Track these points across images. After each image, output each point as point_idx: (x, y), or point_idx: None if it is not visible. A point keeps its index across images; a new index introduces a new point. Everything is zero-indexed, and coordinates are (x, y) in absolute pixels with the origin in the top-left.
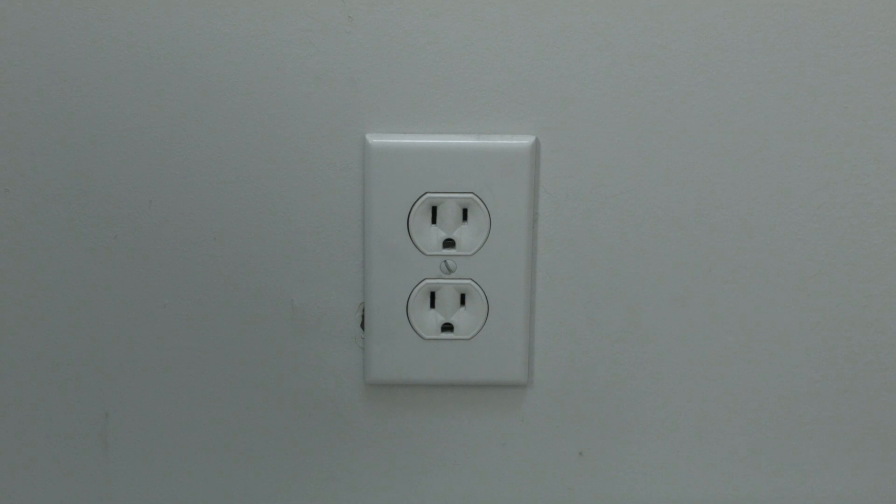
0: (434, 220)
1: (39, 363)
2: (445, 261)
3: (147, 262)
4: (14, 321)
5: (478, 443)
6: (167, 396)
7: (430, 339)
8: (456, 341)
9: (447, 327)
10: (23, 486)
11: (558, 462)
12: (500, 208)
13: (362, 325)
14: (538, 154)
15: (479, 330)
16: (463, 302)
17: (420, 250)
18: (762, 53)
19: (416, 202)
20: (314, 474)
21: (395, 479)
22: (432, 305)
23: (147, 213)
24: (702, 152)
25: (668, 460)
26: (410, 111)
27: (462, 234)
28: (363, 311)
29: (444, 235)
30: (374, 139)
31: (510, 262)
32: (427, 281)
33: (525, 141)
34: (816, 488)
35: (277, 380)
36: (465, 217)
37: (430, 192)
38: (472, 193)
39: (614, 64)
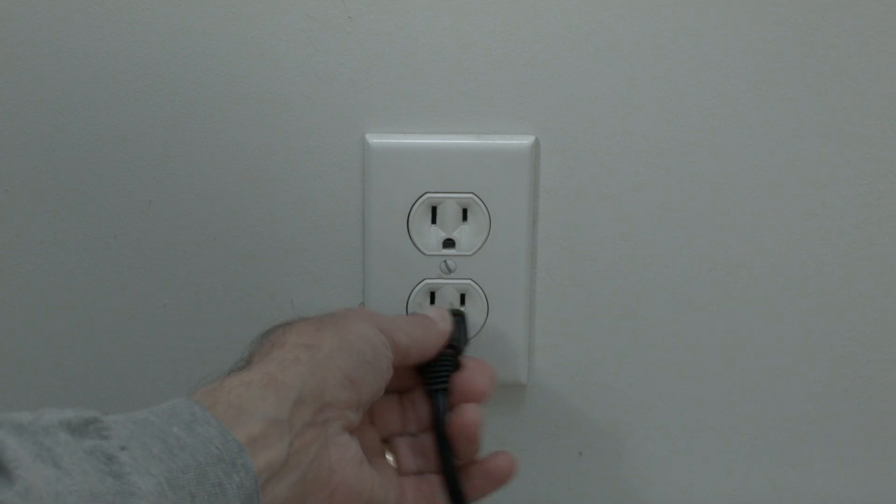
0: (434, 220)
1: (39, 363)
2: (445, 261)
3: (147, 263)
4: (14, 321)
5: None
6: (167, 397)
7: None
8: None
9: None
10: None
11: (558, 462)
12: (500, 208)
13: None
14: (538, 154)
15: (479, 330)
16: (463, 302)
17: (420, 250)
18: (762, 53)
19: (415, 202)
20: None
21: None
22: (432, 305)
23: (147, 213)
24: (702, 152)
25: (668, 460)
26: (410, 111)
27: (462, 234)
28: None
29: (443, 235)
30: (374, 139)
31: (510, 262)
32: (427, 281)
33: (525, 141)
34: (816, 488)
35: None
36: (464, 217)
37: (429, 192)
38: (472, 193)
39: (614, 64)
